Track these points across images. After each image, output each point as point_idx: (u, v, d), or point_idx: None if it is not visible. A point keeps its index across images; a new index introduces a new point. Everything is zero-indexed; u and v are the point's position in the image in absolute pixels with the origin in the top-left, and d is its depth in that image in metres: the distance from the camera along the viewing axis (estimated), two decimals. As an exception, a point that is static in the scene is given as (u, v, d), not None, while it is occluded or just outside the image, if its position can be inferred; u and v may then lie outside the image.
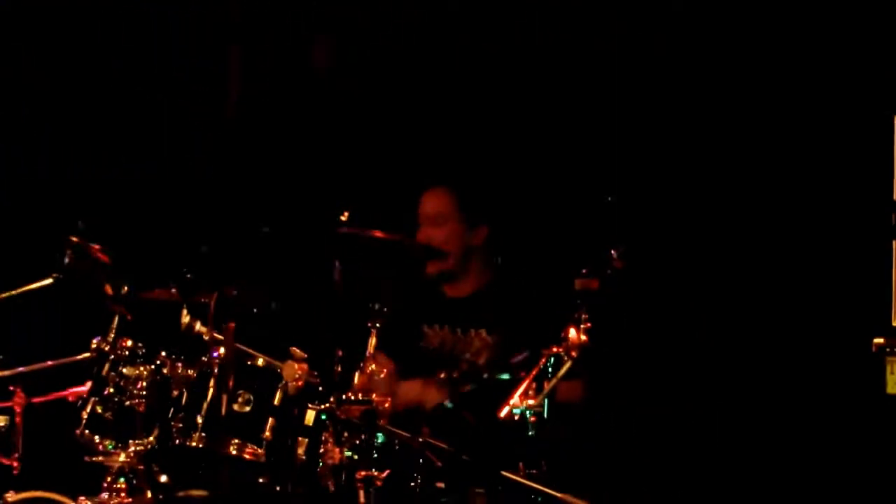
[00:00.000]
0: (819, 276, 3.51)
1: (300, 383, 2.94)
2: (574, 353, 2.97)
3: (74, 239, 3.21)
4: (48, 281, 3.28)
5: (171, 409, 2.99)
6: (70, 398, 3.17)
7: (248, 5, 4.31)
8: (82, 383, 3.16)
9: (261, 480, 2.97)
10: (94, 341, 3.09)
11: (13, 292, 3.31)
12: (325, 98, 4.20)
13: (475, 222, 3.59)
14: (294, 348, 2.96)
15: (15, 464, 3.14)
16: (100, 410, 3.02)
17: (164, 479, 3.02)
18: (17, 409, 3.19)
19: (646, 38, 3.81)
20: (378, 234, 3.07)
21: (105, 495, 2.91)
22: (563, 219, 3.89)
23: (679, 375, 3.72)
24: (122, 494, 2.92)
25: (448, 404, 3.28)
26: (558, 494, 2.77)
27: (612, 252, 3.00)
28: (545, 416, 2.89)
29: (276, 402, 2.99)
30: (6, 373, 3.22)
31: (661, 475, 3.71)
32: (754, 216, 3.65)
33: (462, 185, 3.64)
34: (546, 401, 2.93)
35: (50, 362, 3.28)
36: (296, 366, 2.94)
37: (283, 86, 4.25)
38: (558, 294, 3.08)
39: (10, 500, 2.98)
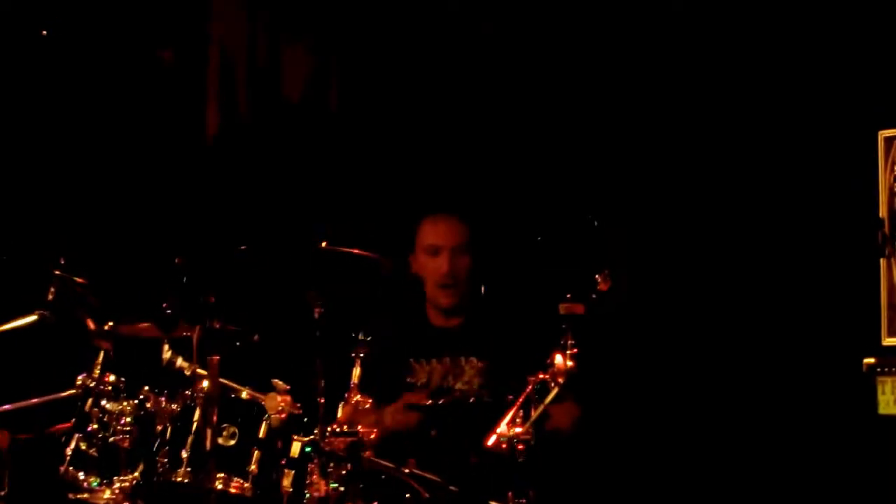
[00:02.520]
0: (807, 296, 3.47)
1: (283, 415, 2.92)
2: (561, 379, 2.94)
3: (58, 273, 3.21)
4: (32, 317, 3.27)
5: (156, 445, 2.99)
6: (58, 434, 3.16)
7: (227, 27, 4.30)
8: (67, 420, 3.16)
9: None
10: (80, 378, 3.09)
11: None
12: (300, 121, 4.20)
13: (478, 252, 3.59)
14: (276, 380, 2.95)
15: (1, 503, 3.12)
16: (84, 447, 3.01)
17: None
18: (3, 447, 3.17)
19: (626, 63, 3.79)
20: (357, 251, 3.05)
21: None
22: (547, 243, 3.86)
23: (668, 398, 3.69)
24: None
25: (434, 433, 3.27)
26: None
27: (597, 276, 2.98)
28: (533, 443, 2.87)
29: (261, 434, 2.99)
30: None
31: (652, 499, 3.68)
32: (741, 238, 3.61)
33: (469, 214, 3.62)
34: (534, 428, 2.91)
35: (35, 399, 3.27)
36: (279, 398, 2.92)
37: (260, 110, 4.26)
38: (545, 319, 3.06)
39: None
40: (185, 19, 4.26)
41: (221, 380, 2.92)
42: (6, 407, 3.23)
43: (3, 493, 3.12)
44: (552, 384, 2.93)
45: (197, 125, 4.21)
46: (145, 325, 3.10)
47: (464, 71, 4.06)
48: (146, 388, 3.02)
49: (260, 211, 4.06)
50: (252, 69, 4.26)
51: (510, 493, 2.81)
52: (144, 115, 4.14)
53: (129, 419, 2.98)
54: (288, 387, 2.92)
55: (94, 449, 2.99)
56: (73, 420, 3.06)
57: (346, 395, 2.98)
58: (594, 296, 2.97)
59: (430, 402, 3.34)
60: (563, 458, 3.20)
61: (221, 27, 4.29)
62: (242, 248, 3.19)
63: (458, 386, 3.50)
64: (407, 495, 2.94)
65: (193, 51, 4.24)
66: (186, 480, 2.91)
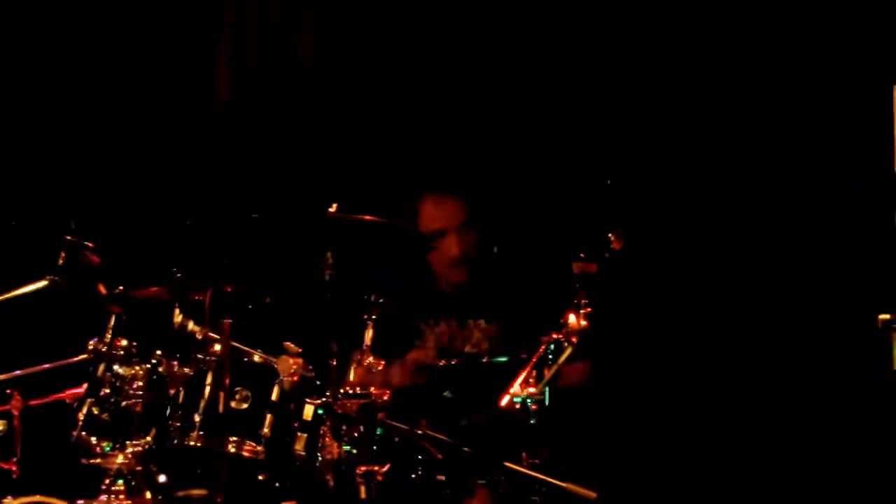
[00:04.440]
0: (823, 252, 3.47)
1: (296, 378, 2.93)
2: (574, 339, 2.95)
3: (68, 238, 3.21)
4: (43, 283, 3.27)
5: (169, 409, 3.00)
6: (67, 400, 3.17)
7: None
8: (79, 385, 3.17)
9: (260, 477, 2.97)
10: (91, 342, 3.09)
11: (8, 295, 3.30)
12: (311, 87, 4.18)
13: (474, 227, 3.58)
14: (288, 343, 2.96)
15: (14, 468, 3.13)
16: (96, 412, 3.01)
17: (162, 479, 3.01)
18: (15, 413, 3.18)
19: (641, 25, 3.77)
20: (370, 218, 3.05)
21: (104, 498, 2.89)
22: (561, 202, 3.86)
23: (681, 357, 3.69)
24: (121, 496, 2.90)
25: (447, 394, 3.28)
26: (562, 484, 2.75)
27: (611, 235, 2.97)
28: (546, 403, 2.88)
29: (273, 398, 2.99)
30: (3, 377, 3.23)
31: (665, 460, 3.69)
32: (756, 192, 3.61)
33: (465, 192, 3.63)
34: (547, 388, 2.91)
35: (46, 365, 3.28)
36: (290, 360, 2.93)
37: (271, 74, 4.24)
38: (556, 279, 3.06)
39: None
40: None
41: (233, 343, 2.93)
42: (18, 373, 3.25)
43: (15, 459, 3.13)
44: (565, 344, 2.94)
45: (209, 89, 4.21)
46: (156, 288, 3.10)
47: (467, 41, 4.06)
48: (158, 352, 3.03)
49: (271, 174, 4.07)
50: (264, 33, 4.24)
51: (524, 454, 2.83)
52: (156, 78, 4.14)
53: (141, 383, 2.98)
54: (300, 349, 2.92)
55: (106, 414, 2.99)
56: (86, 385, 3.08)
57: (357, 357, 3.00)
58: (607, 255, 2.97)
59: (442, 362, 3.36)
60: (576, 417, 3.21)
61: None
62: (254, 215, 3.20)
63: (467, 350, 3.52)
64: (420, 457, 2.95)
65: (206, 13, 4.23)
66: (199, 444, 2.93)
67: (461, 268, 3.52)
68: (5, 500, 2.98)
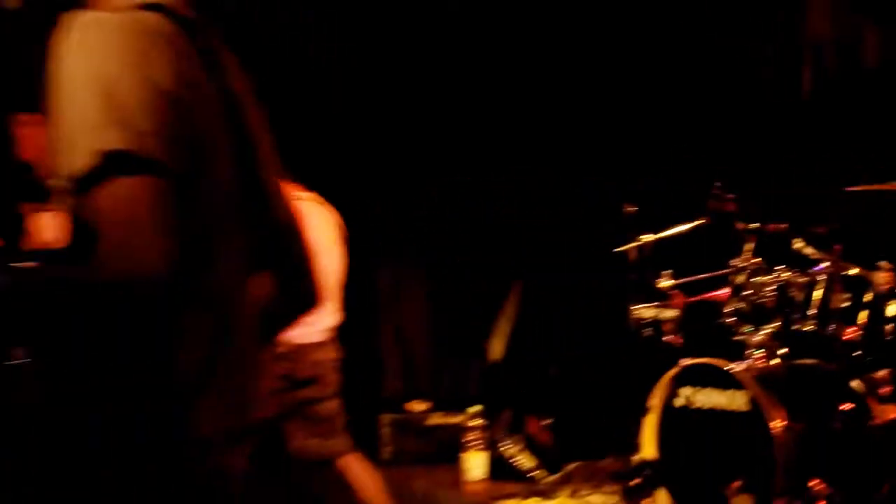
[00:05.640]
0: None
1: (886, 287, 4.18)
2: None
3: (715, 191, 4.71)
4: (697, 223, 4.81)
5: (791, 305, 4.39)
6: (718, 299, 4.69)
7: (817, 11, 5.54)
8: (723, 289, 4.69)
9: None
10: (734, 261, 4.57)
11: (673, 231, 4.90)
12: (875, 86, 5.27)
13: None
14: (882, 262, 4.20)
15: (679, 341, 4.74)
16: (740, 306, 4.50)
17: (782, 351, 4.40)
18: (679, 306, 4.79)
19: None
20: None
21: (747, 362, 4.37)
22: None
23: None
24: (759, 361, 4.36)
25: None
26: None
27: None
28: None
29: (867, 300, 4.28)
30: (673, 282, 4.84)
31: None
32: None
33: None
34: None
35: (701, 275, 4.84)
36: (883, 274, 4.19)
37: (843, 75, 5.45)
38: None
39: (683, 363, 4.52)
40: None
41: (840, 262, 4.25)
42: (683, 280, 4.85)
43: (681, 336, 4.73)
44: None
45: (794, 84, 5.53)
46: (782, 224, 4.51)
47: None
48: (783, 266, 4.43)
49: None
50: (837, 42, 5.47)
51: None
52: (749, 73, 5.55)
53: (771, 287, 4.41)
54: (891, 265, 4.17)
55: (747, 307, 4.47)
56: (730, 289, 4.58)
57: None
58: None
59: None
60: None
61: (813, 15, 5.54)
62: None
63: None
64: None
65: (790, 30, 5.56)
66: (814, 329, 4.28)
67: None
68: (681, 361, 4.55)
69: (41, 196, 4.52)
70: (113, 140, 1.93)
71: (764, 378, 4.16)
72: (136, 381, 1.97)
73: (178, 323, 1.99)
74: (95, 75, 1.98)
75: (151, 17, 2.06)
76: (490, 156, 5.86)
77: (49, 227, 4.65)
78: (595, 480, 5.16)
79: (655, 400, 4.45)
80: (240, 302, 2.08)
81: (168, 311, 1.95)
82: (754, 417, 4.06)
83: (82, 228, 1.97)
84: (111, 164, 1.95)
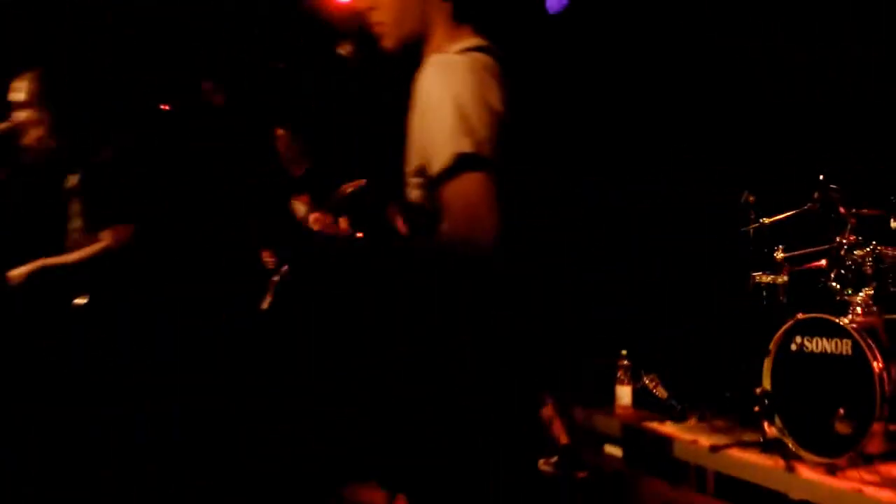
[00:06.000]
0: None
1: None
2: None
3: (821, 179, 5.81)
4: (807, 206, 5.89)
5: (884, 274, 5.47)
6: (817, 267, 5.77)
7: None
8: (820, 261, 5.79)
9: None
10: (838, 238, 5.64)
11: (782, 216, 6.00)
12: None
13: None
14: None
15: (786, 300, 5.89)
16: (843, 273, 5.56)
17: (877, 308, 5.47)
18: (786, 273, 5.94)
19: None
20: None
21: (850, 316, 5.43)
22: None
23: None
24: (859, 317, 5.42)
25: None
26: None
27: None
28: None
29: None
30: (784, 255, 5.95)
31: None
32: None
33: None
34: None
35: (811, 249, 5.94)
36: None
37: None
38: None
39: (799, 316, 5.61)
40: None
41: None
42: (793, 253, 5.94)
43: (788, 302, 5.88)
44: None
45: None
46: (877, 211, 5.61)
47: None
48: (877, 242, 5.50)
49: None
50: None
51: None
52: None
53: (869, 259, 5.47)
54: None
55: (849, 274, 5.55)
56: (826, 260, 5.67)
57: None
58: None
59: None
60: None
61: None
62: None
63: None
64: None
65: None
66: None
67: None
68: (798, 315, 5.64)
69: (298, 189, 5.65)
70: (465, 145, 2.45)
71: (864, 329, 5.26)
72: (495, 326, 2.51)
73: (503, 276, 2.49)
74: (453, 99, 2.48)
75: (484, 57, 2.61)
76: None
77: (302, 210, 5.79)
78: (718, 408, 6.32)
79: (774, 345, 5.56)
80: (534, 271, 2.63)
81: (496, 263, 2.42)
82: (856, 360, 5.16)
83: (430, 211, 2.51)
84: (462, 163, 2.45)
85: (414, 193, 2.66)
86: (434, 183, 2.49)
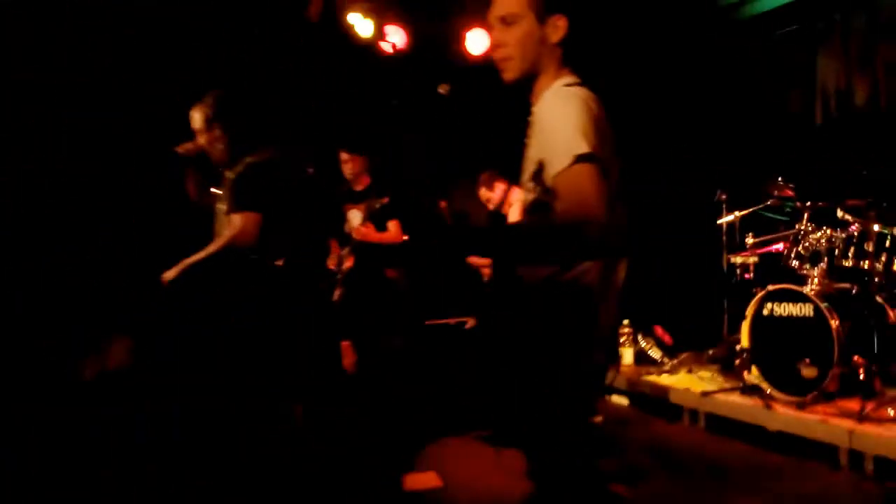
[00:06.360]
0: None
1: None
2: None
3: (779, 181, 7.15)
4: (768, 202, 7.17)
5: (834, 252, 6.73)
6: (778, 251, 7.07)
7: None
8: (781, 244, 7.13)
9: None
10: (797, 225, 6.98)
11: (751, 209, 7.26)
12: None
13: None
14: None
15: (752, 275, 7.21)
16: (802, 253, 6.83)
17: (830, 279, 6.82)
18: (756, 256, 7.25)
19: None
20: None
21: (809, 286, 6.76)
22: None
23: None
24: (817, 286, 6.78)
25: None
26: None
27: None
28: None
29: None
30: (754, 240, 7.24)
31: None
32: None
33: None
34: None
35: (773, 235, 7.27)
36: None
37: None
38: None
39: (770, 288, 6.93)
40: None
41: (867, 223, 6.75)
42: (760, 238, 7.24)
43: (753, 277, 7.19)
44: None
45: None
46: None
47: None
48: (825, 227, 6.77)
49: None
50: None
51: None
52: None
53: (822, 241, 6.72)
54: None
55: (806, 253, 6.70)
56: (791, 239, 6.94)
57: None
58: None
59: None
60: None
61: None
62: None
63: None
64: None
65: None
66: (850, 265, 6.56)
67: None
68: (768, 286, 6.95)
69: (357, 199, 6.58)
70: (583, 146, 2.74)
71: (822, 295, 6.28)
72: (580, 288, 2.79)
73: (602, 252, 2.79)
74: (570, 117, 2.82)
75: (585, 89, 3.00)
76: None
77: (357, 219, 6.30)
78: (702, 362, 7.39)
79: (750, 311, 6.58)
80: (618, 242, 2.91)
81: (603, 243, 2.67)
82: (817, 320, 6.11)
83: (545, 205, 2.76)
84: (578, 159, 2.70)
85: (529, 195, 2.99)
86: (552, 179, 2.77)
